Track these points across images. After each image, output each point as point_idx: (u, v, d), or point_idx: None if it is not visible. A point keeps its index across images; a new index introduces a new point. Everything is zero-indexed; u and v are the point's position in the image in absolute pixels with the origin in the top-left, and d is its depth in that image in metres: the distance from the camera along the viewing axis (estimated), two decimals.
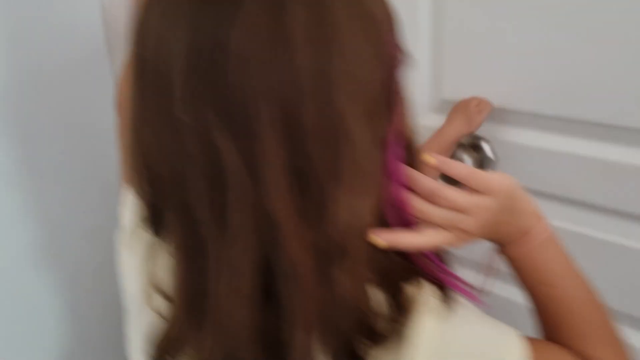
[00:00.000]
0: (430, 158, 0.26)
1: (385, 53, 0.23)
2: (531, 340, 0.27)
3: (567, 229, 0.52)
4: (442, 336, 0.24)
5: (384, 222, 0.23)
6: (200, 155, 0.19)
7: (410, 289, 0.24)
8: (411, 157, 0.26)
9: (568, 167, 0.52)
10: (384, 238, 0.23)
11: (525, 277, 0.29)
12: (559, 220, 0.47)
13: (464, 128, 0.55)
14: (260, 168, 0.18)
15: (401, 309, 0.23)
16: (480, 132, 0.55)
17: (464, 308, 0.27)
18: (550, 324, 0.30)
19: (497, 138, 0.56)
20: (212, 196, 0.19)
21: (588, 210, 0.52)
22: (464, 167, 0.26)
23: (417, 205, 0.25)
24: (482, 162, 0.56)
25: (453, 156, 0.57)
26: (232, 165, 0.18)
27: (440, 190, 0.24)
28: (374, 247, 0.23)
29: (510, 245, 0.28)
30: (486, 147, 0.56)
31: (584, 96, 0.49)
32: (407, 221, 0.25)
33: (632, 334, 0.51)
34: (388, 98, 0.24)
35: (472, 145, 0.57)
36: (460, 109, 0.56)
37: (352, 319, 0.22)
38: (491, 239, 0.28)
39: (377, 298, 0.23)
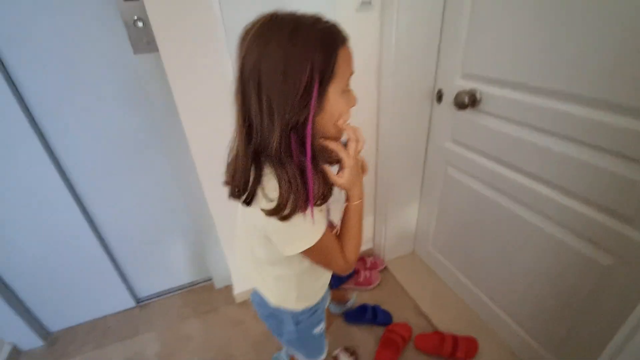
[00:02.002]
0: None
1: (297, 81, 0.45)
2: (314, 247, 0.56)
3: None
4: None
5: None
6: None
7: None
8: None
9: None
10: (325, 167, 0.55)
11: (344, 212, 0.64)
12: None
13: None
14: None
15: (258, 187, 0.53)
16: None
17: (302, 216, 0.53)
18: (342, 230, 0.64)
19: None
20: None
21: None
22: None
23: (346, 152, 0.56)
24: None
25: None
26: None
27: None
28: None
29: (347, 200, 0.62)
30: None
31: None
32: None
33: None
34: (303, 105, 0.46)
35: None
36: None
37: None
38: (347, 189, 0.60)
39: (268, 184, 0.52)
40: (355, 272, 1.63)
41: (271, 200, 0.50)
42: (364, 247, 1.77)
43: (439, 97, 1.27)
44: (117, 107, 1.21)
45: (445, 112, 1.26)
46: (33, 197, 1.24)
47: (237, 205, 0.62)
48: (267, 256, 0.65)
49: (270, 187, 0.51)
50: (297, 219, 0.51)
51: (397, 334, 1.30)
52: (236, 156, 0.53)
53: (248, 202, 0.53)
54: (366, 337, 1.37)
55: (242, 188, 0.53)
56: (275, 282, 0.70)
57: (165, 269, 1.61)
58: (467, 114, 1.15)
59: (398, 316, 1.43)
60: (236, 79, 0.49)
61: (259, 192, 0.52)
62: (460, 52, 1.12)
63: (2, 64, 1.04)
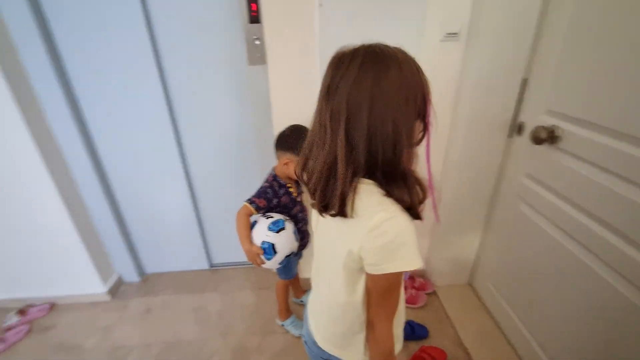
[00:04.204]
0: None
1: (415, 105, 0.51)
2: (402, 274, 0.56)
3: None
4: (395, 217, 0.52)
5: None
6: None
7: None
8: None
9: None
10: None
11: None
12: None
13: None
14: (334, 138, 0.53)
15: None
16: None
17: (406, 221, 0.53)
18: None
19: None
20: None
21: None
22: None
23: None
24: None
25: None
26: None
27: None
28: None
29: None
30: None
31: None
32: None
33: None
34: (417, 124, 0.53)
35: None
36: None
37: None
38: None
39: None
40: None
41: (387, 210, 0.52)
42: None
43: (519, 129, 1.26)
44: (229, 106, 1.51)
45: (523, 145, 1.25)
46: (159, 168, 1.61)
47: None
48: (346, 295, 0.62)
49: (375, 200, 0.53)
50: (409, 237, 0.53)
51: (430, 355, 1.30)
52: (328, 172, 0.54)
53: (343, 214, 0.55)
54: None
55: (340, 204, 0.54)
56: (344, 334, 0.67)
57: (237, 246, 1.88)
58: (545, 149, 1.13)
59: (437, 342, 1.43)
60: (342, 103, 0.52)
61: (362, 206, 0.54)
62: (547, 88, 1.12)
63: (160, 67, 1.42)
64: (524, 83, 1.22)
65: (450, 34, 1.22)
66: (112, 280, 1.78)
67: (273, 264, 1.13)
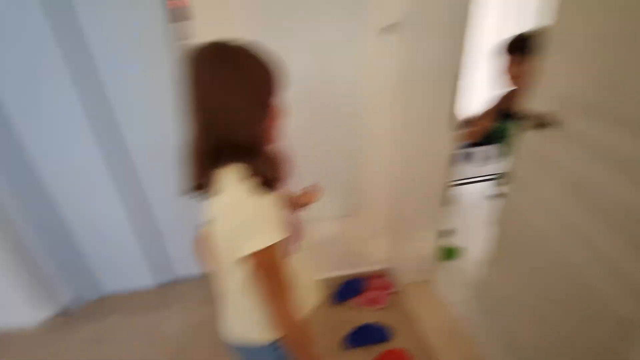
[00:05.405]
0: None
1: (256, 93, 0.56)
2: (273, 251, 0.56)
3: None
4: (239, 199, 0.54)
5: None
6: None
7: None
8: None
9: None
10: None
11: None
12: None
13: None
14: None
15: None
16: None
17: (267, 200, 0.56)
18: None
19: None
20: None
21: None
22: None
23: None
24: None
25: None
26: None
27: None
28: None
29: None
30: None
31: None
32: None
33: None
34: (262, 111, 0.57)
35: None
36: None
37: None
38: None
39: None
40: (362, 291, 1.63)
41: (247, 183, 0.55)
42: (376, 267, 1.76)
43: None
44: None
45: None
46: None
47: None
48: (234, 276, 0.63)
49: (230, 183, 0.56)
50: (258, 216, 0.55)
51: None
52: (190, 157, 0.59)
53: (206, 194, 0.59)
54: (362, 357, 1.35)
55: (200, 184, 0.59)
56: (237, 311, 0.69)
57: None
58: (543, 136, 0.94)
59: (401, 344, 1.39)
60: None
61: (222, 189, 0.56)
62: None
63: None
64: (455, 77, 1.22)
65: (388, 27, 1.20)
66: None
67: None
